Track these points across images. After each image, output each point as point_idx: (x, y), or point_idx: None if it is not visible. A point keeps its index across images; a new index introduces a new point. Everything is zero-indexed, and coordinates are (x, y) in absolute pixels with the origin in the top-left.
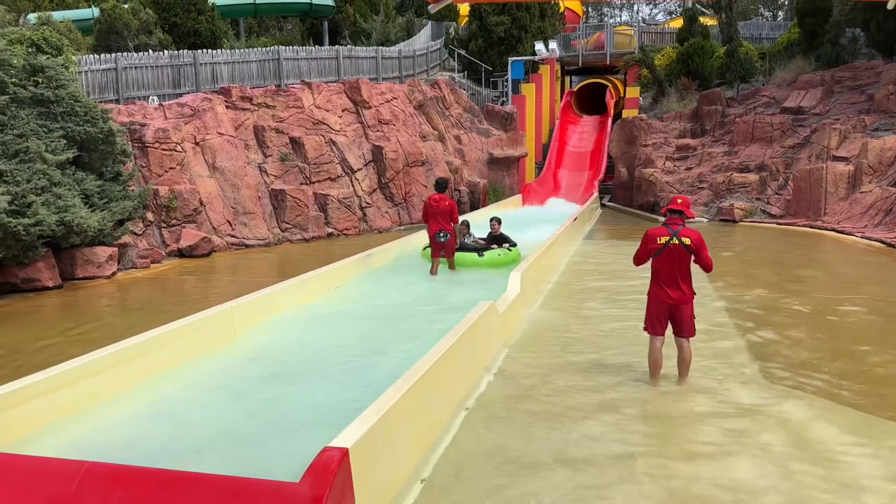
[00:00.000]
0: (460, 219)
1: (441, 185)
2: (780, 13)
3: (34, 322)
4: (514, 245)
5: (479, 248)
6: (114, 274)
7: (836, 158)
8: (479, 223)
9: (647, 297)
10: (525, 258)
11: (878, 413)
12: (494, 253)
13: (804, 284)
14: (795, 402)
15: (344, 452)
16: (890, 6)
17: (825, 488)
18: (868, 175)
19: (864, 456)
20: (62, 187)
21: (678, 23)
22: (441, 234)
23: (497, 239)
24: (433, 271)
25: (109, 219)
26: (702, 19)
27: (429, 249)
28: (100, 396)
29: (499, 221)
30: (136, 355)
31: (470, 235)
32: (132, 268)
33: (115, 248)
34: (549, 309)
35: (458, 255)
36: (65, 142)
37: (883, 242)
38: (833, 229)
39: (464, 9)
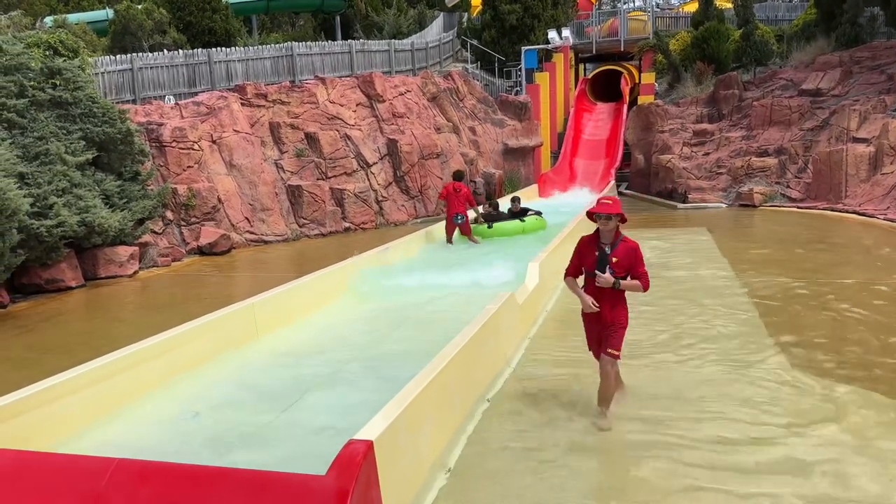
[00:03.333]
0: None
1: (458, 175)
2: None
3: (62, 323)
4: (540, 213)
5: (519, 216)
6: (135, 273)
7: (857, 140)
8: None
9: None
10: (543, 249)
11: None
12: (532, 218)
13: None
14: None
15: (369, 445)
16: None
17: None
18: (889, 156)
19: None
20: (82, 188)
21: (693, 7)
22: (457, 217)
23: (520, 212)
24: (449, 241)
25: (130, 218)
26: (717, 2)
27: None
28: (129, 395)
29: (518, 200)
30: (161, 353)
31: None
32: (153, 266)
33: (136, 248)
34: (567, 299)
35: (505, 223)
36: (84, 143)
37: None
38: (854, 212)
39: None
